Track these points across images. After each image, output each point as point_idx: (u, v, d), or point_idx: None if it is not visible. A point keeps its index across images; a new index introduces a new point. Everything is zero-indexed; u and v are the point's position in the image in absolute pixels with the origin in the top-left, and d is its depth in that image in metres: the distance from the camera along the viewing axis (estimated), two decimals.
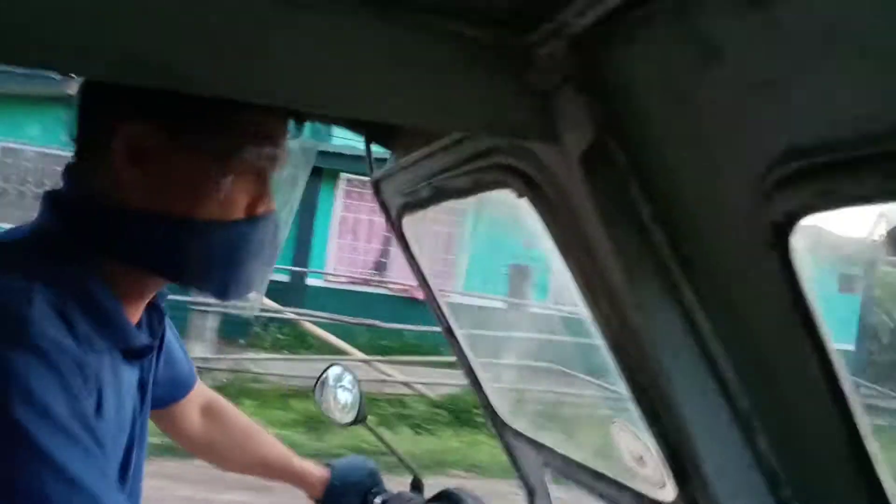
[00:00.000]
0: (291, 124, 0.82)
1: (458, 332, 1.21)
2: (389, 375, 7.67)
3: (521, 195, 0.73)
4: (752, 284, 0.57)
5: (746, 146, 0.52)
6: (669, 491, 0.78)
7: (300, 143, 0.86)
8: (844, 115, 0.45)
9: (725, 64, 0.50)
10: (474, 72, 0.63)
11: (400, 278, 9.65)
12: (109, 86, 0.74)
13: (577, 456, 0.99)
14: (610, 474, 0.90)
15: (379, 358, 7.79)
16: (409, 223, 1.10)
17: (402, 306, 9.37)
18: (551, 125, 0.63)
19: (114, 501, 0.65)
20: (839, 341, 0.53)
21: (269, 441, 1.25)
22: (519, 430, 1.14)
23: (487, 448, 5.97)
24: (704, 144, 0.55)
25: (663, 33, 0.53)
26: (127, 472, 0.84)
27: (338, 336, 8.17)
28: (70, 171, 0.79)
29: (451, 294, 9.62)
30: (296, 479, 1.23)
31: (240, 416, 1.25)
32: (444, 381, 7.45)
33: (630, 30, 0.55)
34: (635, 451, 0.83)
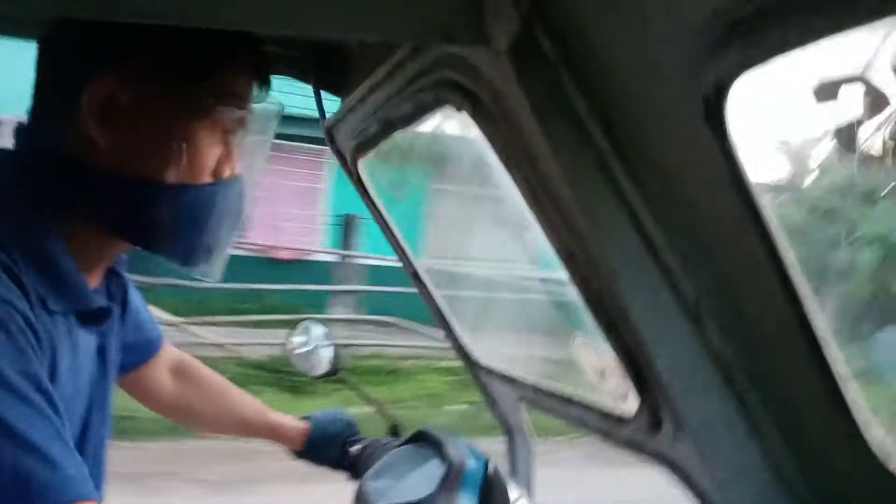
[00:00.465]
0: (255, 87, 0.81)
1: (425, 275, 1.20)
2: (200, 337, 7.36)
3: (459, 108, 0.71)
4: (692, 165, 0.55)
5: (673, 15, 0.50)
6: (632, 401, 0.77)
7: (264, 107, 0.84)
8: None
9: None
10: None
11: (259, 239, 9.35)
12: (77, 41, 0.73)
13: (548, 384, 0.99)
14: (576, 397, 0.90)
15: (187, 320, 7.50)
16: (364, 166, 1.09)
17: (262, 267, 9.08)
18: (479, 24, 0.61)
19: (69, 463, 0.63)
20: None
21: (244, 398, 1.24)
22: (492, 367, 1.14)
23: (305, 407, 5.80)
24: (632, 21, 0.53)
25: None
26: (85, 438, 0.81)
27: (177, 299, 7.90)
28: (27, 128, 0.77)
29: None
30: (274, 433, 1.22)
31: (212, 375, 1.24)
32: (262, 342, 7.15)
33: None
34: (597, 366, 0.82)
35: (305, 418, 1.25)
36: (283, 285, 8.16)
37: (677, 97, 0.52)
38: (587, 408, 0.87)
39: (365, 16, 0.63)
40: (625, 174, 0.60)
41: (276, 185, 9.52)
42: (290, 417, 1.25)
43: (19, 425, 0.60)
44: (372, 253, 8.84)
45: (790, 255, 0.53)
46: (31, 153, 0.76)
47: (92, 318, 0.80)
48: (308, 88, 1.12)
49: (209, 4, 0.59)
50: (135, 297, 1.05)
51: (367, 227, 8.85)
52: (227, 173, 0.79)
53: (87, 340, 0.80)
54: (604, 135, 0.59)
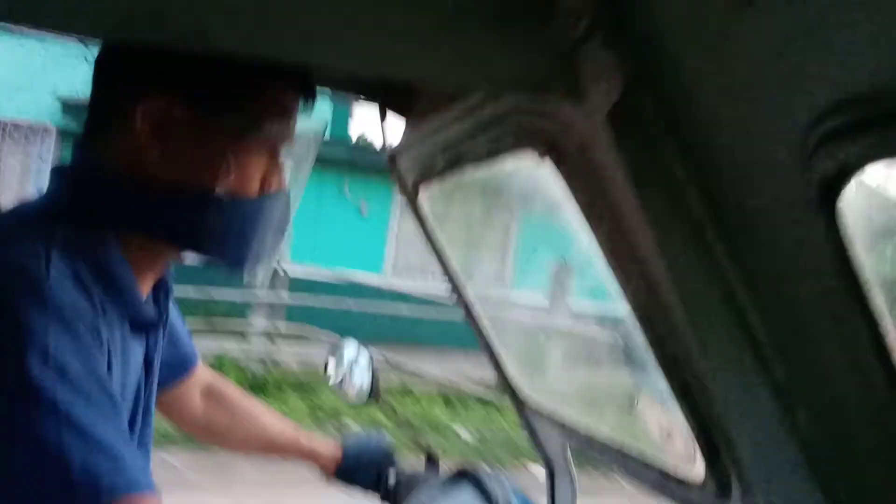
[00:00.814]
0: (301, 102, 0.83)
1: (478, 312, 1.18)
2: None
3: (542, 156, 0.69)
4: (796, 249, 0.53)
5: (789, 97, 0.48)
6: (699, 468, 0.75)
7: (308, 127, 0.85)
8: (893, 61, 0.41)
9: (759, 9, 0.46)
10: (493, 24, 0.59)
11: None
12: (130, 59, 0.77)
13: (601, 433, 0.96)
14: (634, 453, 0.87)
15: None
16: (426, 197, 1.07)
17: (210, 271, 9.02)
18: (575, 81, 0.59)
19: (132, 458, 0.66)
20: None
21: (276, 420, 1.23)
22: (540, 407, 1.12)
23: None
24: (742, 97, 0.51)
25: None
26: None
27: None
28: (82, 144, 0.80)
29: None
30: (306, 456, 1.21)
31: (243, 397, 1.24)
32: None
33: None
34: (664, 426, 0.79)
35: (340, 441, 1.24)
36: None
37: (787, 180, 0.50)
38: (646, 465, 0.84)
39: (451, 61, 0.61)
40: (722, 248, 0.57)
41: None
42: (324, 440, 1.24)
43: (89, 425, 0.64)
44: (295, 262, 8.78)
45: None
46: (88, 167, 0.80)
47: (142, 326, 0.83)
48: None
49: (284, 38, 0.58)
50: (175, 312, 1.05)
51: (294, 237, 8.85)
52: (273, 187, 0.82)
53: (135, 348, 0.82)
54: (703, 206, 0.57)
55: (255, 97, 0.78)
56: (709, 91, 0.53)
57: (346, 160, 10.09)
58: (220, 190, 0.77)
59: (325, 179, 10.21)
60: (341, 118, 12.40)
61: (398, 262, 11.24)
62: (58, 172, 0.80)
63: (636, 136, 0.57)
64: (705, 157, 0.55)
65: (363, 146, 11.82)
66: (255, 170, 0.79)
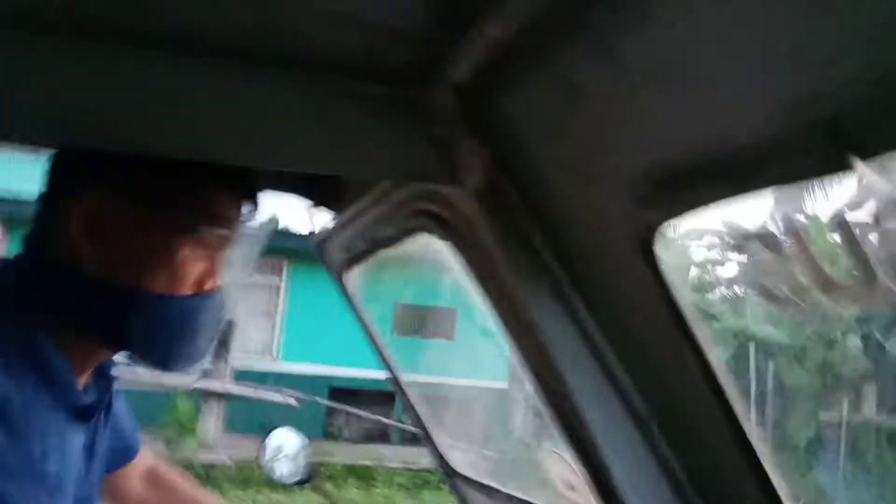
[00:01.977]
0: (245, 205, 0.85)
1: (405, 383, 1.24)
2: None
3: (439, 237, 0.79)
4: (630, 290, 0.63)
5: (613, 170, 0.59)
6: None
7: (253, 226, 0.88)
8: (687, 135, 0.52)
9: (588, 100, 0.57)
10: (378, 123, 0.70)
11: None
12: (71, 158, 0.79)
13: (524, 493, 1.02)
14: None
15: None
16: (350, 279, 1.16)
17: None
18: (452, 169, 0.70)
19: None
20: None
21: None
22: (468, 475, 1.17)
23: None
24: (580, 172, 0.62)
25: (535, 79, 0.61)
26: None
27: None
28: (28, 238, 0.82)
29: None
30: None
31: (183, 481, 1.24)
32: None
33: (507, 78, 0.62)
34: (566, 479, 0.86)
35: None
36: None
37: (618, 236, 0.61)
38: None
39: (347, 156, 0.72)
40: (576, 295, 0.67)
41: None
42: None
43: None
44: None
45: (726, 380, 0.59)
46: (28, 260, 0.81)
47: (80, 414, 0.82)
48: None
49: (198, 141, 0.68)
50: (119, 402, 1.08)
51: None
52: (208, 286, 0.81)
53: (75, 437, 0.82)
54: (558, 264, 0.67)
55: (189, 196, 0.77)
56: (554, 171, 0.64)
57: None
58: (150, 288, 0.76)
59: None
60: None
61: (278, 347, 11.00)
62: (1, 265, 0.81)
63: (501, 212, 0.68)
64: (555, 225, 0.66)
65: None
66: (188, 270, 0.78)
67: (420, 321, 10.03)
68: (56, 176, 0.81)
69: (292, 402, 7.71)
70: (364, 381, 9.22)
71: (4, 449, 0.66)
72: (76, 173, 0.78)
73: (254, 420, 6.96)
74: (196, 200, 0.78)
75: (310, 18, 0.62)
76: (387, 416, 8.73)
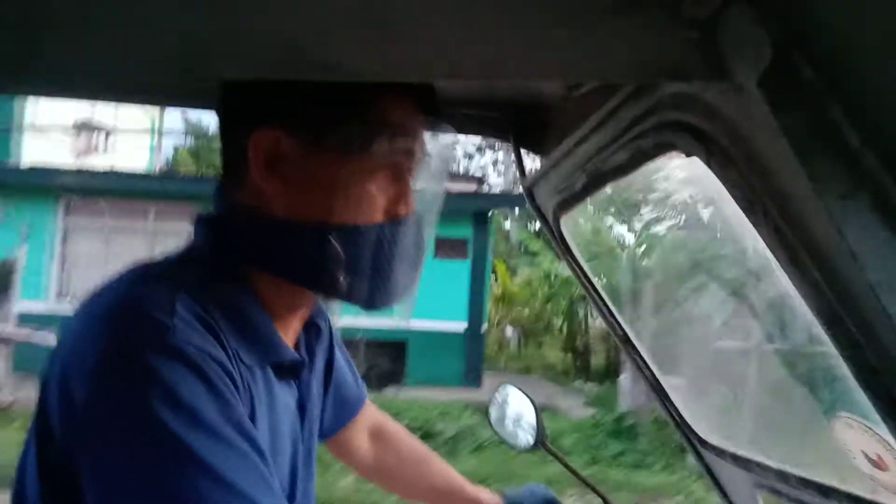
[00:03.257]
0: (426, 119, 0.77)
1: (639, 344, 1.09)
2: None
3: (689, 153, 0.63)
4: None
5: None
6: None
7: (438, 138, 0.81)
8: None
9: None
10: (617, 9, 0.55)
11: None
12: (239, 97, 0.75)
13: (798, 470, 0.84)
14: (843, 488, 0.75)
15: None
16: (567, 223, 1.02)
17: None
18: (717, 57, 0.54)
19: None
20: None
21: (440, 467, 1.19)
22: (722, 447, 1.00)
23: None
24: None
25: None
26: (293, 497, 0.80)
27: None
28: (217, 189, 0.80)
29: None
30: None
31: (411, 439, 1.21)
32: None
33: None
34: (869, 450, 0.67)
35: (501, 493, 1.19)
36: None
37: None
38: (856, 501, 0.72)
39: (577, 55, 0.58)
40: None
41: None
42: (487, 492, 1.19)
43: (228, 472, 0.59)
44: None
45: None
46: (220, 212, 0.79)
47: (287, 371, 0.79)
48: None
49: (402, 60, 0.58)
50: (340, 353, 1.05)
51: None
52: (402, 211, 0.76)
53: (285, 395, 0.79)
54: (885, 173, 0.48)
55: (361, 115, 0.72)
56: (871, 38, 0.46)
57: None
58: (339, 220, 0.72)
59: None
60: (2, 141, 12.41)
61: (63, 288, 10.69)
62: (198, 221, 0.79)
63: (794, 103, 0.50)
64: (878, 114, 0.47)
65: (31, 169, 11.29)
66: (377, 194, 0.74)
67: None
68: (228, 121, 0.77)
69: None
70: None
71: (205, 404, 0.61)
72: (246, 112, 0.74)
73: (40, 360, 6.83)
74: (368, 114, 0.73)
75: None
76: None
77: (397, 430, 1.21)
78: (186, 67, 0.59)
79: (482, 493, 1.17)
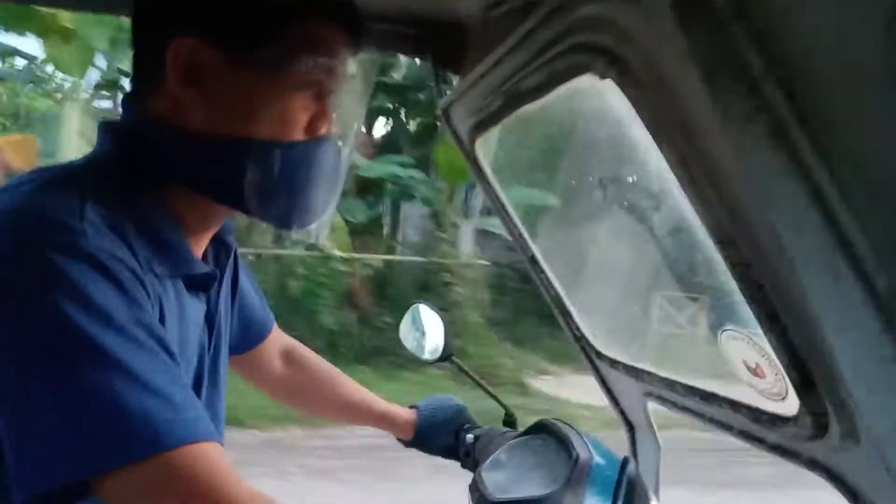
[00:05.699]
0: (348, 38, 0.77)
1: (544, 262, 1.14)
2: None
3: (603, 76, 0.65)
4: (892, 140, 0.47)
5: None
6: (791, 405, 0.69)
7: (359, 58, 0.79)
8: None
9: None
10: None
11: None
12: (157, 5, 0.73)
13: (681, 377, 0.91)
14: (721, 392, 0.82)
15: None
16: (481, 145, 1.04)
17: None
18: None
19: (191, 405, 0.62)
20: None
21: (352, 386, 1.23)
22: (615, 357, 1.07)
23: None
24: None
25: None
26: None
27: None
28: (127, 98, 0.77)
29: None
30: (382, 421, 1.21)
31: (321, 361, 1.23)
32: None
33: None
34: (750, 360, 0.74)
35: (413, 406, 1.23)
36: None
37: (878, 57, 0.44)
38: (733, 406, 0.79)
39: None
40: (808, 146, 0.52)
41: None
42: (398, 406, 1.23)
43: (143, 371, 0.60)
44: None
45: None
46: (130, 121, 0.76)
47: (198, 283, 0.79)
48: None
49: None
50: (245, 277, 1.04)
51: None
52: (321, 130, 0.75)
53: (194, 307, 0.79)
54: (784, 100, 0.52)
55: (285, 30, 0.71)
56: None
57: None
58: (259, 136, 0.71)
59: None
60: None
61: None
62: (104, 127, 0.76)
63: (703, 27, 0.52)
64: (782, 42, 0.50)
65: None
66: (297, 111, 0.73)
67: None
68: (144, 28, 0.75)
69: None
70: None
71: (116, 305, 0.61)
72: (165, 21, 0.72)
73: None
74: (292, 30, 0.72)
75: None
76: None
77: (308, 352, 1.23)
78: None
79: (395, 407, 1.22)
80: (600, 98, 0.72)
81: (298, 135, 0.74)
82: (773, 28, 0.50)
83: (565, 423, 1.01)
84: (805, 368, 0.64)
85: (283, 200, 0.75)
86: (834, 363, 0.59)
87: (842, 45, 0.47)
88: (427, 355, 1.25)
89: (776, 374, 0.71)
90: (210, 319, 0.83)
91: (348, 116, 0.83)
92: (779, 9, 0.49)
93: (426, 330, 1.24)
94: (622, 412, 1.16)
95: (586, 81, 0.70)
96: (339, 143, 0.79)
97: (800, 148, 0.52)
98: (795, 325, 0.62)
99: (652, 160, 0.69)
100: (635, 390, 1.06)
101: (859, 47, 0.46)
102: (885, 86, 0.45)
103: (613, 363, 1.07)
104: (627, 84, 0.62)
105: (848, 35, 0.47)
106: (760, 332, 0.67)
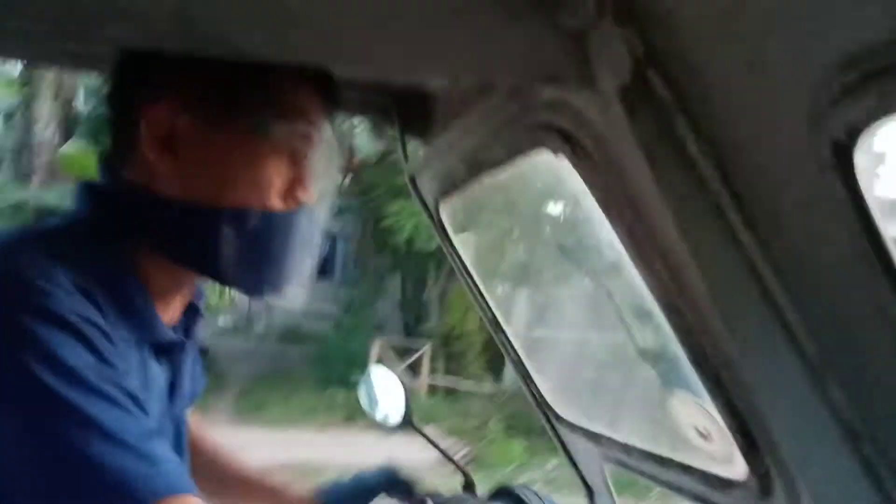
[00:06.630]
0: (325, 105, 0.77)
1: (506, 326, 1.16)
2: None
3: (557, 153, 0.69)
4: (815, 215, 0.52)
5: (799, 60, 0.47)
6: (739, 465, 0.72)
7: (334, 128, 0.81)
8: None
9: None
10: (500, 16, 0.60)
11: None
12: (133, 69, 0.73)
13: (638, 442, 0.94)
14: (674, 457, 0.85)
15: None
16: (447, 210, 1.07)
17: None
18: (585, 66, 0.60)
19: (166, 458, 0.62)
20: None
21: (240, 462, 1.12)
22: (574, 421, 1.09)
23: None
24: (754, 65, 0.51)
25: None
26: None
27: None
28: (104, 160, 0.77)
29: None
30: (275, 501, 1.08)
31: (221, 444, 1.14)
32: None
33: None
34: (699, 425, 0.77)
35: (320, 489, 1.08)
36: None
37: (801, 143, 0.49)
38: (686, 470, 0.82)
39: (462, 57, 0.62)
40: (740, 221, 0.56)
41: None
42: (298, 491, 1.08)
43: (115, 428, 0.59)
44: None
45: None
46: (105, 183, 0.76)
47: (164, 350, 0.78)
48: None
49: (293, 42, 0.60)
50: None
51: None
52: (297, 195, 0.74)
53: (158, 373, 0.78)
54: (719, 181, 0.56)
55: (262, 93, 0.71)
56: (717, 64, 0.53)
57: None
58: (233, 202, 0.71)
59: None
60: None
61: None
62: (81, 190, 0.76)
63: (648, 115, 0.57)
64: (717, 132, 0.55)
65: None
66: (272, 178, 0.72)
67: None
68: (120, 92, 0.75)
69: None
70: None
71: (87, 365, 0.61)
72: (140, 86, 0.72)
73: None
74: (270, 96, 0.72)
75: None
76: None
77: (205, 424, 1.13)
78: (72, 30, 0.58)
79: (294, 491, 1.08)
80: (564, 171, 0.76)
81: (274, 200, 0.73)
82: (708, 118, 0.55)
83: (526, 488, 1.02)
84: (748, 432, 0.67)
85: (254, 269, 0.74)
86: (772, 426, 0.63)
87: (769, 134, 0.52)
88: (388, 420, 1.24)
89: (724, 438, 0.74)
90: (172, 385, 0.81)
91: (323, 181, 0.83)
92: (715, 102, 0.54)
93: (384, 393, 1.24)
94: (581, 476, 1.17)
95: (544, 157, 0.74)
96: (314, 209, 0.77)
97: (735, 227, 0.56)
98: (737, 390, 0.65)
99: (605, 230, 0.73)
100: (594, 454, 1.08)
101: (785, 134, 0.51)
102: (810, 170, 0.50)
103: (573, 427, 1.09)
104: (579, 161, 0.67)
105: (775, 123, 0.51)
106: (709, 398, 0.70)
